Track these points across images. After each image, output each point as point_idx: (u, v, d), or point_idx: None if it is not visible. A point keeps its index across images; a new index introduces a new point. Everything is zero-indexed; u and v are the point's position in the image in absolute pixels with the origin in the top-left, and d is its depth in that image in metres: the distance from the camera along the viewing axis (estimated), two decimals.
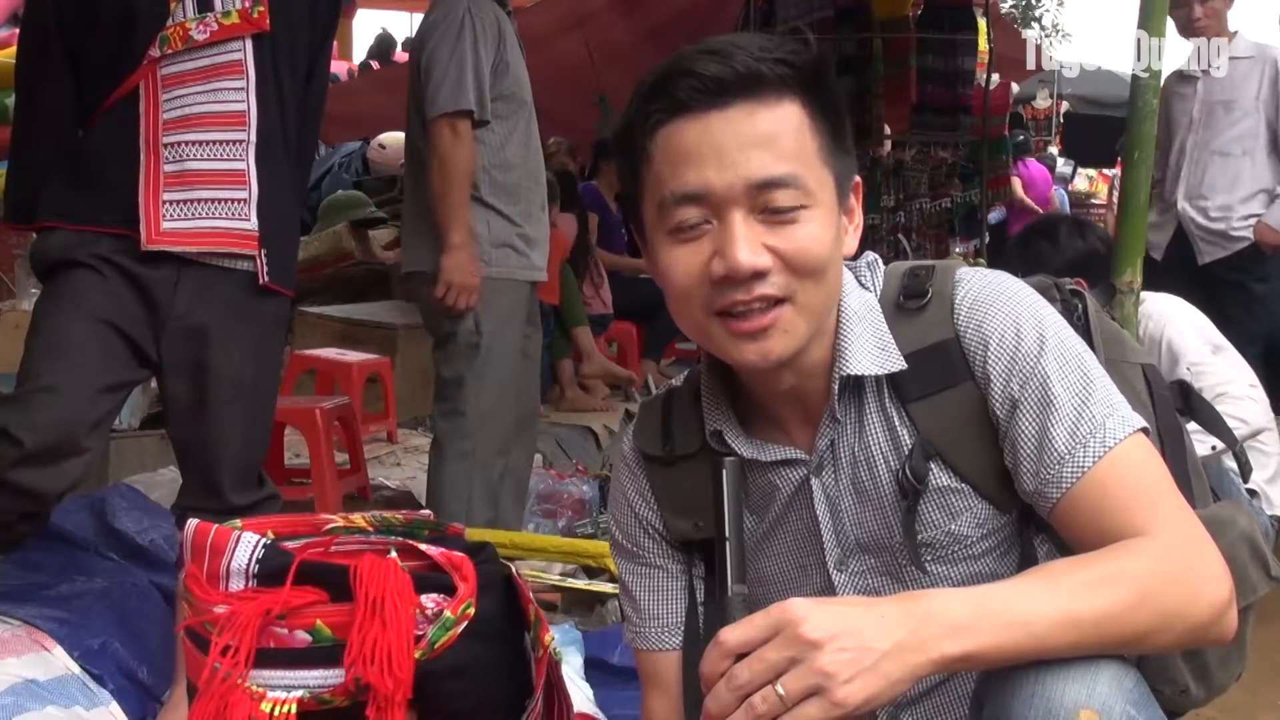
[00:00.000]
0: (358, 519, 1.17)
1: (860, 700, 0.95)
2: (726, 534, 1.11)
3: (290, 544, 1.12)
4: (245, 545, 1.07)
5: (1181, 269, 4.26)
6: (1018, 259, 3.29)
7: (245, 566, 1.06)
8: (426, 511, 1.18)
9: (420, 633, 1.06)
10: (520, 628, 1.19)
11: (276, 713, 1.03)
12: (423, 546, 1.11)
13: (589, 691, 2.31)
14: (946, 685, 1.26)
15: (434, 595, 1.08)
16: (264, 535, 1.10)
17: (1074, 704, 1.01)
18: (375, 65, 9.47)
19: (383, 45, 9.71)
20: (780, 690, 0.95)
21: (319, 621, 1.05)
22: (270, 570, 1.06)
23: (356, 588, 1.05)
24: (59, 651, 2.23)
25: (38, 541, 2.45)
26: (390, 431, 4.81)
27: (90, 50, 2.20)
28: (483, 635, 1.10)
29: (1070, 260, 3.11)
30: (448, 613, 1.06)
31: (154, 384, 2.74)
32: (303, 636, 1.06)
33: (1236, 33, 4.32)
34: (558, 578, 3.08)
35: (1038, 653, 1.02)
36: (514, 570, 1.20)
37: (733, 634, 0.98)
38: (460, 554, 1.11)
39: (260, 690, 1.04)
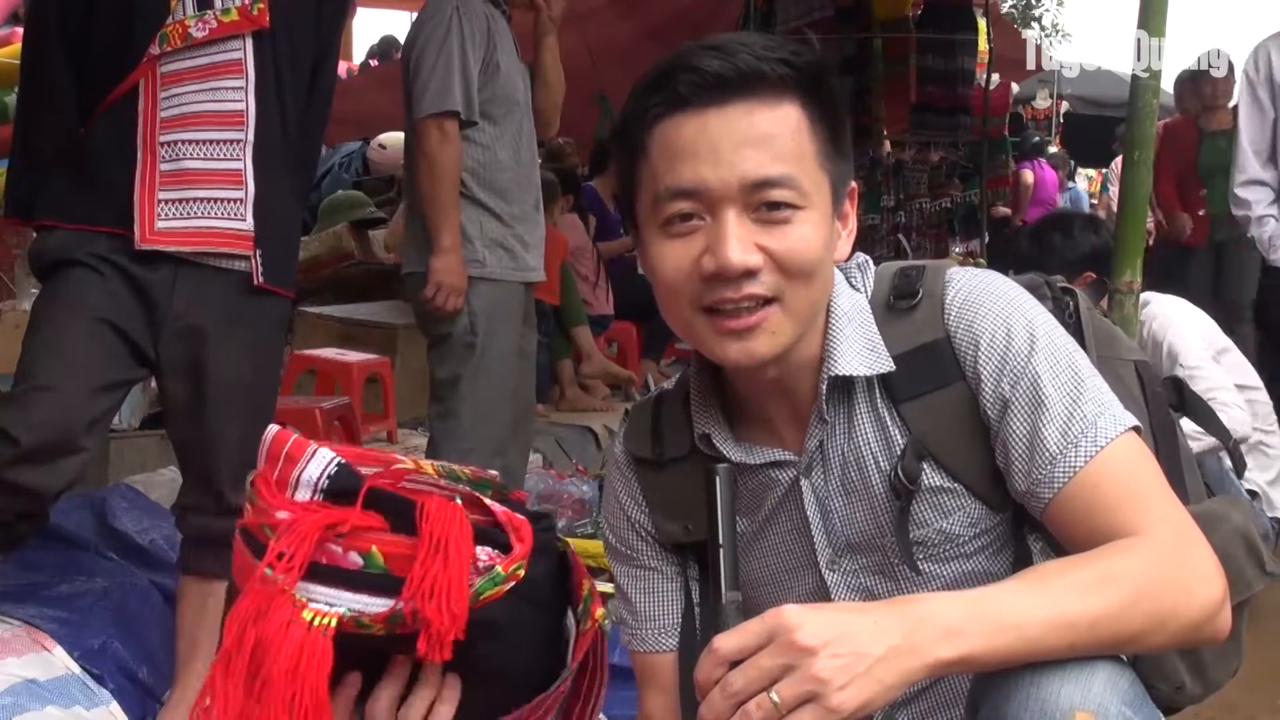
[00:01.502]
0: (426, 465, 1.17)
1: (855, 706, 0.95)
2: (720, 541, 1.11)
3: (365, 469, 1.12)
4: (320, 459, 1.07)
5: None
6: (1030, 250, 3.32)
7: (315, 480, 1.06)
8: (494, 472, 1.18)
9: (470, 583, 1.06)
10: (565, 603, 1.19)
11: (316, 623, 1.03)
12: (487, 501, 1.11)
13: None
14: (942, 683, 1.26)
15: (489, 549, 1.08)
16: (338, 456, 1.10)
17: (1069, 705, 1.01)
18: (374, 64, 9.44)
19: (385, 45, 9.68)
20: (775, 697, 0.95)
21: (374, 548, 1.05)
22: (339, 488, 1.06)
23: (422, 524, 1.05)
24: (59, 651, 2.24)
25: (38, 541, 2.46)
26: (390, 431, 4.81)
27: (91, 47, 2.21)
28: (527, 599, 1.10)
29: (1084, 254, 3.14)
30: (499, 568, 1.06)
31: (154, 383, 2.74)
32: (355, 559, 1.06)
33: None
34: None
35: (1032, 655, 1.02)
36: (571, 547, 1.19)
37: (727, 641, 0.99)
38: (522, 516, 1.11)
39: (303, 600, 1.04)
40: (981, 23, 7.97)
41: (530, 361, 3.52)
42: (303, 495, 1.06)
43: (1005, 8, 16.69)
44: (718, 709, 0.97)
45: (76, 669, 2.23)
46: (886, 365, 1.22)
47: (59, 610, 2.36)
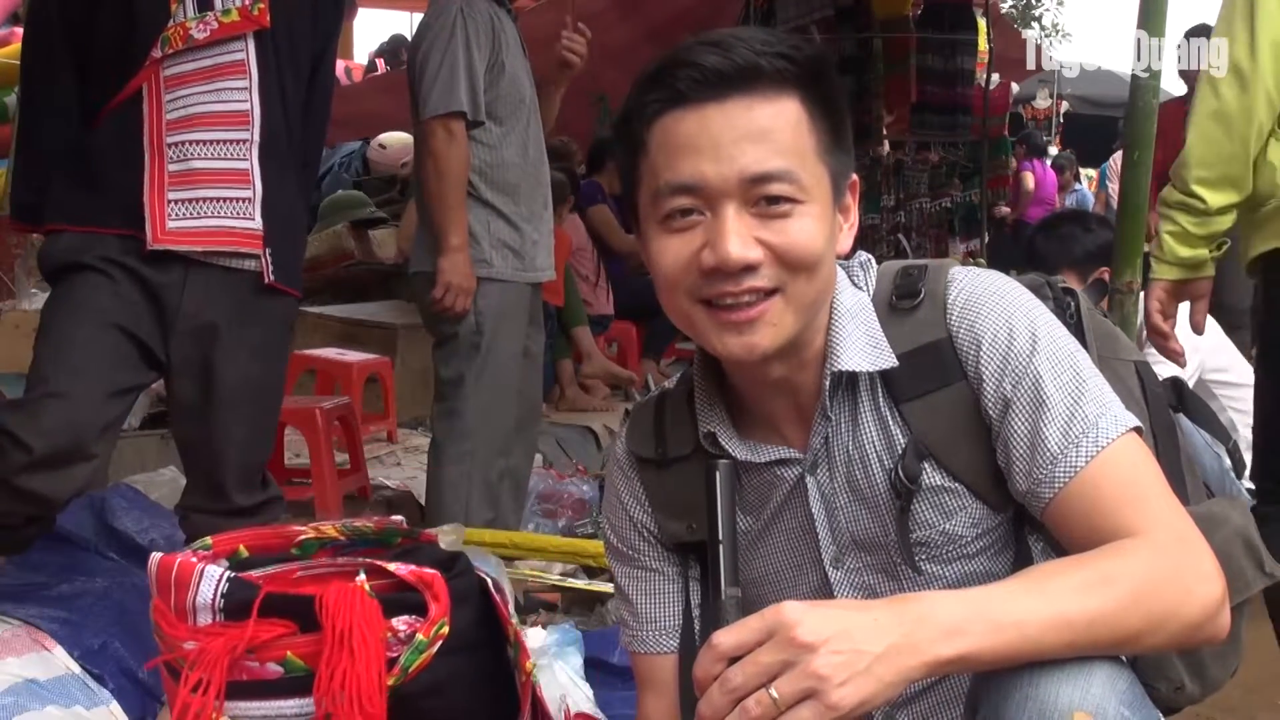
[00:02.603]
0: (328, 529, 1.17)
1: (854, 703, 0.95)
2: (720, 537, 1.11)
3: (256, 571, 1.12)
4: (209, 579, 1.07)
5: None
6: (1046, 244, 3.39)
7: (211, 601, 1.06)
8: (398, 518, 1.18)
9: (394, 656, 1.05)
10: (500, 637, 1.18)
11: None
12: (391, 567, 1.10)
13: (589, 691, 2.30)
14: (942, 683, 1.26)
15: (405, 617, 1.07)
16: (233, 553, 1.10)
17: (1068, 706, 1.01)
18: (380, 63, 9.44)
19: (394, 44, 9.68)
20: (774, 693, 0.95)
21: (289, 653, 1.05)
22: (236, 603, 1.06)
23: (323, 619, 1.04)
24: (59, 651, 2.23)
25: (38, 541, 2.46)
26: (390, 431, 4.81)
27: (94, 50, 2.21)
28: (460, 650, 1.09)
29: (1102, 246, 3.18)
30: (420, 635, 1.06)
31: (155, 384, 2.74)
32: (274, 668, 1.06)
33: None
34: (558, 578, 3.08)
35: (1031, 654, 1.02)
36: (490, 583, 1.19)
37: (726, 637, 0.98)
38: (431, 570, 1.10)
39: None
40: (981, 23, 7.98)
41: (537, 362, 3.53)
42: (204, 619, 1.07)
43: (1005, 8, 16.68)
44: (716, 705, 0.97)
45: (76, 669, 2.22)
46: (890, 361, 1.22)
47: (59, 610, 2.35)
